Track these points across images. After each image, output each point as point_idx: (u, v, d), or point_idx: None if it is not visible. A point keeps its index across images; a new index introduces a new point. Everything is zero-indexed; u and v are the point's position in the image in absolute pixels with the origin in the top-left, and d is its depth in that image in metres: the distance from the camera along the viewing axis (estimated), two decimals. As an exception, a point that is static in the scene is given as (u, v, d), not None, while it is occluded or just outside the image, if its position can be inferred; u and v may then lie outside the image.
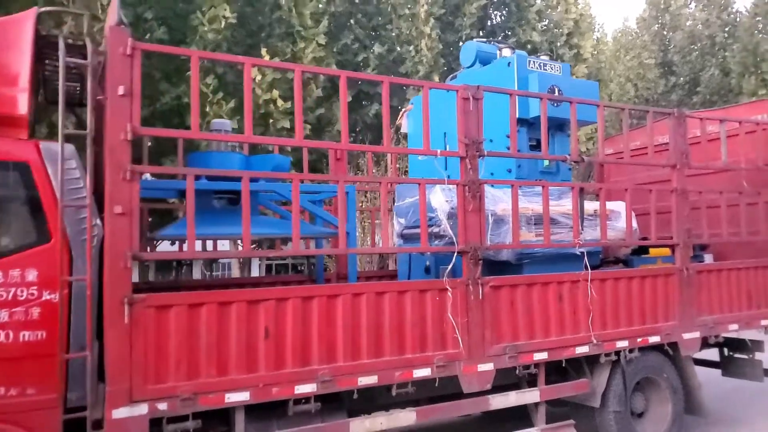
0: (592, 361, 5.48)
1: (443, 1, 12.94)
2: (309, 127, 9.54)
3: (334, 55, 10.31)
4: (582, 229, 5.51)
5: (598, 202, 6.31)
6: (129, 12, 8.72)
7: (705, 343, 6.26)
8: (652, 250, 6.80)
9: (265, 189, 5.00)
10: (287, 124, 9.16)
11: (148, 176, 5.73)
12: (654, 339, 5.74)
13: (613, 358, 5.49)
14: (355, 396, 4.29)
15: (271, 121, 9.01)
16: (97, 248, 3.67)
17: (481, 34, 13.17)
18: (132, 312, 3.50)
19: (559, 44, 14.58)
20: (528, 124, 5.88)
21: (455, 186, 4.75)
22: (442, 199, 5.09)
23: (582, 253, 5.36)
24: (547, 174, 6.04)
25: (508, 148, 5.88)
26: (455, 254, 4.69)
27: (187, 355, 3.67)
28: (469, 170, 4.76)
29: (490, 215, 5.24)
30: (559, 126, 6.12)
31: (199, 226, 4.78)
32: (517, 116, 5.74)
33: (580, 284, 5.31)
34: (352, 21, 12.28)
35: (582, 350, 5.27)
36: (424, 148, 4.67)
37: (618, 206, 6.22)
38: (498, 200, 5.37)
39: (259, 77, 8.74)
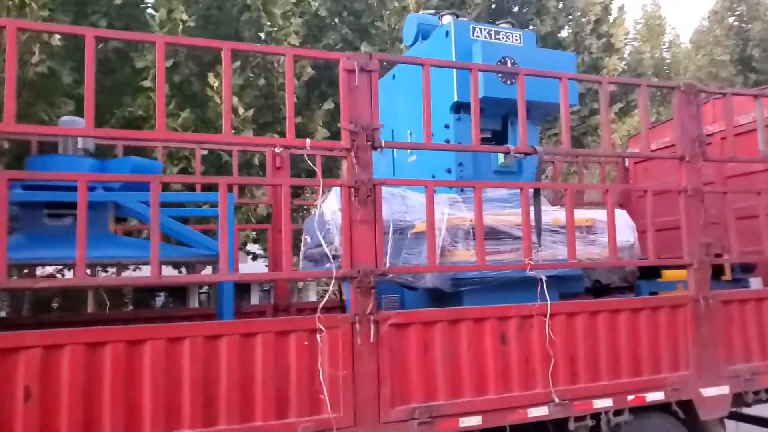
0: (559, 429, 3.98)
1: None
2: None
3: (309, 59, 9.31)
4: (539, 245, 4.08)
5: (587, 211, 4.87)
6: (85, 22, 8.23)
7: (740, 401, 4.54)
8: (669, 273, 5.19)
9: (112, 198, 3.96)
10: (251, 134, 8.22)
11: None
12: (655, 396, 4.14)
13: (589, 423, 3.96)
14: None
15: (233, 132, 8.10)
16: None
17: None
18: None
19: (585, 34, 12.78)
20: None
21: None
22: (335, 207, 3.84)
23: (541, 279, 3.92)
24: (504, 174, 4.64)
25: (448, 142, 4.58)
26: (333, 281, 3.43)
27: None
28: (356, 167, 3.50)
29: (406, 229, 3.95)
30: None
31: (23, 248, 3.83)
32: (456, 99, 4.45)
33: (535, 320, 3.87)
34: (336, 20, 11.26)
35: (538, 413, 3.80)
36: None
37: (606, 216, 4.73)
38: (422, 209, 4.05)
39: (217, 83, 7.90)
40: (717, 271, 5.42)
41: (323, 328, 3.32)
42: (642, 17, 35.52)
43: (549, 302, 3.86)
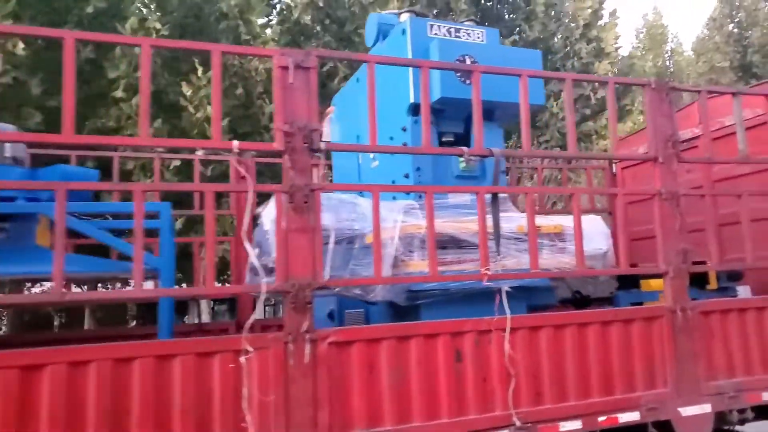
0: (522, 453, 3.64)
1: None
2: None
3: None
4: (498, 254, 3.78)
5: (558, 218, 4.60)
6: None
7: (724, 420, 4.19)
8: (653, 282, 4.87)
9: (38, 209, 3.68)
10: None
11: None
12: (629, 416, 3.80)
13: (556, 447, 3.63)
14: None
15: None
16: None
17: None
18: None
19: (574, 39, 12.49)
20: (433, 111, 4.27)
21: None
22: (274, 215, 3.55)
23: (500, 290, 3.61)
24: (467, 179, 4.35)
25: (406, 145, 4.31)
26: (261, 296, 3.13)
27: None
28: (291, 171, 3.22)
29: (355, 238, 3.66)
30: (484, 114, 4.44)
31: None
32: (412, 100, 4.18)
33: (494, 336, 3.55)
34: (319, 28, 11.03)
35: (498, 437, 3.47)
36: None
37: (583, 222, 4.43)
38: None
39: (190, 92, 7.68)
40: (701, 280, 5.10)
41: (250, 349, 3.02)
42: (643, 26, 35.37)
43: (509, 315, 3.55)
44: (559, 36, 12.32)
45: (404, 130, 4.27)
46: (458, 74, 4.13)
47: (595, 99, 12.18)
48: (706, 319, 4.13)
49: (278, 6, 9.88)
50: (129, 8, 7.91)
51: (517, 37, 12.04)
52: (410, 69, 4.15)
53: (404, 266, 3.80)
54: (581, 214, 4.01)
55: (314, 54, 3.38)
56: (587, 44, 12.35)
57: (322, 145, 3.32)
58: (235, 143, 3.19)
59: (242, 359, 2.97)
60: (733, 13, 26.09)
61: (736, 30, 26.05)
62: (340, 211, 3.69)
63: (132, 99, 7.39)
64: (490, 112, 4.43)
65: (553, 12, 13.05)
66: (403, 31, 4.31)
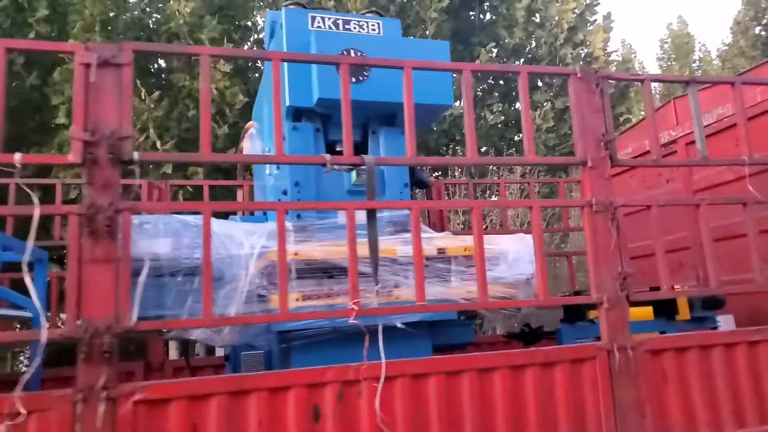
0: None
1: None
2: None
3: (240, 86, 8.57)
4: (377, 283, 3.08)
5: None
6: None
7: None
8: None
9: None
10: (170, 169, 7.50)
11: None
12: (550, 488, 3.01)
13: None
14: None
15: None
16: None
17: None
18: None
19: (559, 44, 11.61)
20: (314, 115, 3.64)
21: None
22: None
23: (372, 329, 2.91)
24: (360, 195, 3.68)
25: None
26: (40, 347, 2.51)
27: None
28: (89, 188, 2.63)
29: (197, 269, 3.03)
30: (384, 119, 3.79)
31: None
32: (288, 103, 3.57)
33: (365, 387, 2.83)
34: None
35: None
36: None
37: (507, 242, 3.72)
38: (226, 243, 3.13)
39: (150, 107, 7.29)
40: (671, 309, 4.28)
41: (23, 411, 2.39)
42: (668, 36, 34.16)
43: (384, 361, 2.84)
44: (543, 41, 11.51)
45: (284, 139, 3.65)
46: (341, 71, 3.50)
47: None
48: (656, 359, 3.31)
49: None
50: (71, 32, 7.62)
51: (494, 46, 11.28)
52: (286, 68, 3.54)
53: (266, 302, 3.14)
54: (509, 232, 3.30)
55: (130, 48, 2.80)
56: (573, 49, 11.48)
57: (136, 156, 2.72)
58: (17, 156, 2.61)
59: (1, 427, 2.34)
60: (759, 15, 24.79)
61: (763, 33, 24.73)
62: (181, 236, 3.07)
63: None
64: (391, 117, 3.78)
65: (537, 17, 12.30)
66: (281, 25, 3.71)
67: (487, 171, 10.73)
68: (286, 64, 3.52)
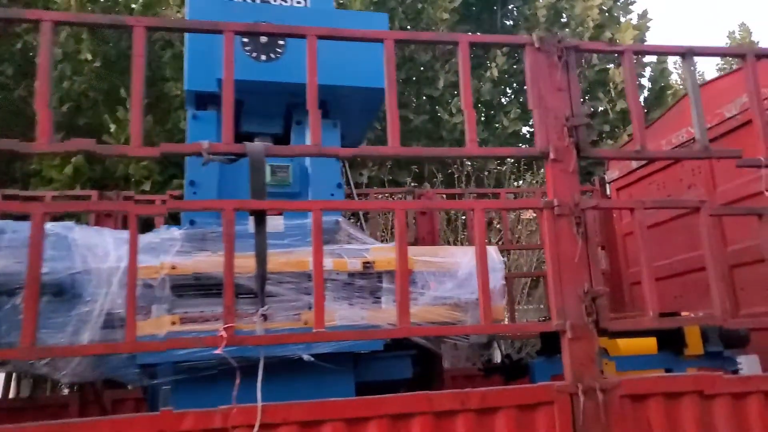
0: None
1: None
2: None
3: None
4: (263, 304, 2.45)
5: (423, 249, 3.27)
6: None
7: None
8: (618, 344, 3.38)
9: None
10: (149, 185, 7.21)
11: None
12: None
13: None
14: None
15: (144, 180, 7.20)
16: None
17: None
18: None
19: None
20: (220, 101, 3.07)
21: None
22: None
23: (235, 361, 2.28)
24: (279, 196, 3.06)
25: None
26: None
27: None
28: None
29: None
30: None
31: None
32: (187, 87, 3.03)
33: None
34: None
35: None
36: None
37: (455, 255, 3.06)
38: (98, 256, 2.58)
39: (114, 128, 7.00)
40: (679, 342, 3.47)
41: None
42: (729, 44, 32.51)
43: (259, 405, 2.20)
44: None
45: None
46: (247, 48, 2.92)
47: (613, 113, 10.36)
48: (639, 407, 2.55)
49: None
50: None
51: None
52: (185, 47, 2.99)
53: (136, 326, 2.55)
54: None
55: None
56: (600, 48, 10.59)
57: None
58: None
59: None
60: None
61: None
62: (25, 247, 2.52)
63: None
64: (320, 104, 3.17)
65: (563, 17, 11.47)
66: (188, -3, 3.18)
67: (482, 180, 9.95)
68: (186, 42, 2.98)
